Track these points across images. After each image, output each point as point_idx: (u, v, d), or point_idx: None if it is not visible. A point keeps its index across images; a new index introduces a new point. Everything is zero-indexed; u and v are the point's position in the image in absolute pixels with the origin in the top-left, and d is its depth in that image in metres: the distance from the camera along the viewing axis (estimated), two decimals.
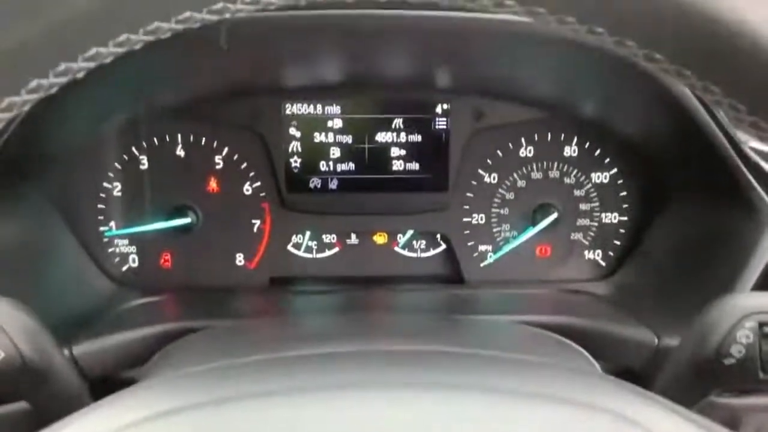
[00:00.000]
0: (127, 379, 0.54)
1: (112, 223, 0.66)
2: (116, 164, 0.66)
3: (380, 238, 0.70)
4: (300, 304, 0.67)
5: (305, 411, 0.30)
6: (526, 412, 0.29)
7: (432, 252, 0.70)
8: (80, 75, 0.25)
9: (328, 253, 0.70)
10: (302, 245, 0.70)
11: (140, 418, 0.32)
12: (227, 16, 0.26)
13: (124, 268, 0.67)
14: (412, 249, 0.70)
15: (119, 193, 0.66)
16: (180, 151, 0.66)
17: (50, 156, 0.60)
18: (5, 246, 0.56)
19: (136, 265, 0.68)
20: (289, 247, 0.70)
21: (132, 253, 0.67)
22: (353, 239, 0.70)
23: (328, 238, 0.70)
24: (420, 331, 0.56)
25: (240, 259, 0.68)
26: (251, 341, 0.54)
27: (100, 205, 0.66)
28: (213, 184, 0.67)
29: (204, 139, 0.65)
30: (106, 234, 0.66)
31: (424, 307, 0.66)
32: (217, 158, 0.66)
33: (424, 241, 0.70)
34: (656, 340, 0.55)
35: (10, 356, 0.41)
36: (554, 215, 0.67)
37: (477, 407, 0.29)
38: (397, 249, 0.70)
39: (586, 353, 0.52)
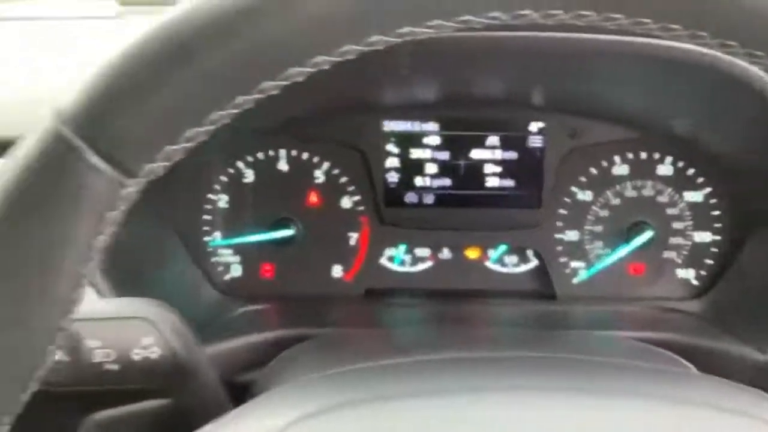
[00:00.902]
0: (240, 382, 0.56)
1: (217, 234, 0.69)
2: (222, 177, 0.69)
3: (472, 253, 0.72)
4: (395, 316, 0.69)
5: (456, 411, 0.32)
6: (676, 417, 0.30)
7: (523, 267, 0.72)
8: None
9: (421, 266, 0.72)
10: (396, 258, 0.72)
11: (304, 414, 0.34)
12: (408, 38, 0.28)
13: (227, 277, 0.70)
14: (503, 264, 0.72)
15: (225, 205, 0.69)
16: (283, 166, 0.68)
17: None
18: (124, 253, 0.60)
19: (239, 274, 0.70)
20: (383, 260, 0.72)
21: (235, 262, 0.70)
22: (446, 253, 0.72)
23: (421, 252, 0.72)
24: (527, 341, 0.57)
25: (337, 270, 0.71)
26: (369, 348, 0.56)
27: (206, 216, 0.69)
28: (313, 198, 0.69)
29: (306, 154, 0.68)
30: (211, 244, 0.70)
31: (518, 320, 0.67)
32: (318, 173, 0.69)
33: (515, 257, 0.71)
34: (761, 356, 0.55)
35: (164, 355, 0.44)
36: (650, 233, 0.67)
37: (626, 411, 0.31)
38: (488, 264, 0.72)
39: (693, 367, 0.52)
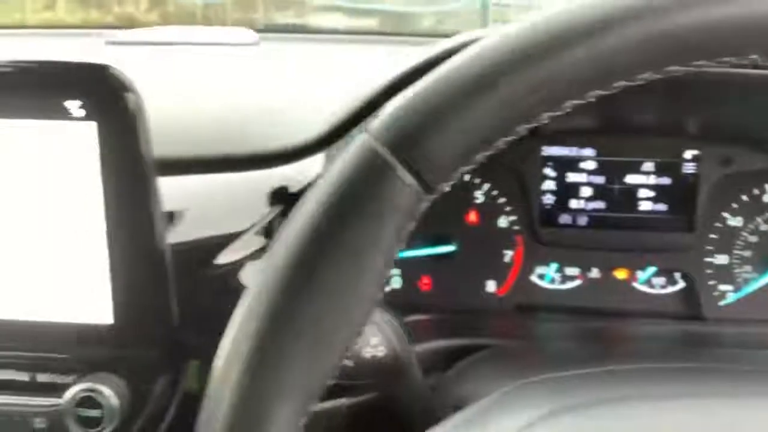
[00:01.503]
0: None
1: None
2: None
3: (621, 274, 0.75)
4: (546, 331, 0.73)
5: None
6: None
7: (670, 289, 0.74)
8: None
9: (570, 284, 0.75)
10: (547, 276, 0.75)
11: (541, 414, 0.37)
12: None
13: (387, 289, 0.75)
14: (651, 285, 0.74)
15: None
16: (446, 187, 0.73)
17: None
18: None
19: (398, 286, 0.75)
20: (534, 278, 0.75)
21: (396, 275, 0.74)
22: (595, 273, 0.75)
23: (571, 270, 0.75)
24: (685, 357, 0.60)
25: (491, 286, 0.74)
26: (546, 359, 0.60)
27: None
28: (472, 217, 0.73)
29: (468, 176, 0.72)
30: None
31: (668, 339, 0.70)
32: (478, 193, 0.73)
33: (663, 278, 0.74)
34: None
35: (388, 354, 0.48)
36: None
37: None
38: (636, 285, 0.74)
39: None
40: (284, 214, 0.62)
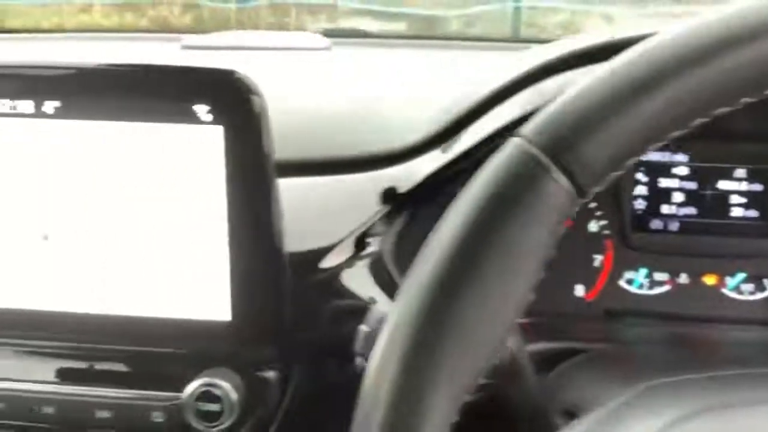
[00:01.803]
0: None
1: None
2: None
3: (710, 279, 0.75)
4: (636, 336, 0.73)
5: None
6: None
7: (759, 296, 0.74)
8: None
9: (658, 290, 0.75)
10: (635, 281, 0.75)
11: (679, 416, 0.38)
12: None
13: None
14: (739, 291, 0.74)
15: None
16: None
17: None
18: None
19: None
20: (622, 283, 0.75)
21: None
22: (684, 279, 0.75)
23: (660, 276, 0.75)
24: None
25: (579, 290, 0.75)
26: (645, 363, 0.61)
27: None
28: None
29: None
30: None
31: (760, 345, 0.70)
32: None
33: (752, 285, 0.74)
34: None
35: (505, 353, 0.50)
36: None
37: None
38: (725, 291, 0.75)
39: None
40: (390, 216, 0.63)
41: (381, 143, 0.66)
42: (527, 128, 0.34)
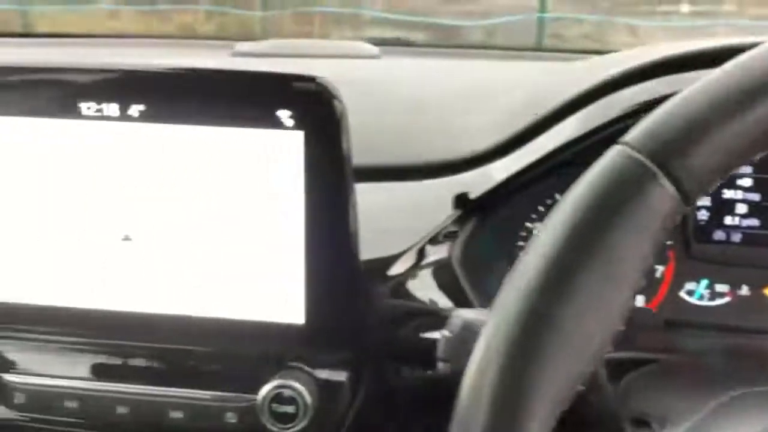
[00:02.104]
0: None
1: None
2: (540, 207, 0.74)
3: None
4: (698, 347, 0.73)
5: None
6: None
7: None
8: None
9: (719, 301, 0.75)
10: (696, 293, 0.75)
11: None
12: None
13: None
14: None
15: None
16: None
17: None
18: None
19: None
20: (683, 294, 0.75)
21: None
22: (744, 290, 0.75)
23: (721, 287, 0.75)
24: None
25: (640, 300, 0.75)
26: (713, 374, 0.61)
27: (520, 243, 0.75)
28: None
29: None
30: None
31: None
32: None
33: None
34: None
35: None
36: None
37: None
38: None
39: None
40: (460, 221, 0.64)
41: (446, 150, 0.66)
42: (632, 135, 0.34)
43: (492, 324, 0.37)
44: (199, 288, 0.57)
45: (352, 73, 0.96)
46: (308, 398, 0.55)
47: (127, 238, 0.57)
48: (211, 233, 0.56)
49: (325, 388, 0.57)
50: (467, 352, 0.48)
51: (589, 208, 0.35)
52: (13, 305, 0.59)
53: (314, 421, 0.56)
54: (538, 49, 1.39)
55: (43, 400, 0.58)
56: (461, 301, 0.63)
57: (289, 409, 0.55)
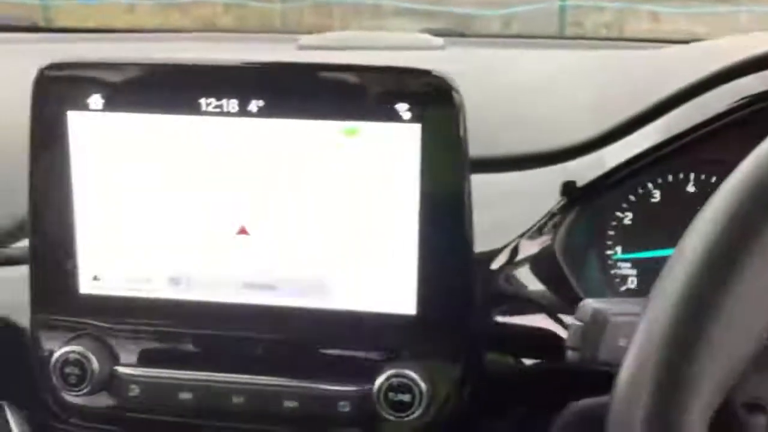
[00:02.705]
0: None
1: (619, 248, 0.76)
2: (630, 197, 0.75)
3: None
4: None
5: None
6: None
7: None
8: None
9: None
10: None
11: None
12: None
13: (623, 289, 0.76)
14: None
15: (629, 222, 0.75)
16: (690, 188, 0.74)
17: None
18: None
19: (634, 286, 0.76)
20: None
21: (632, 275, 0.76)
22: None
23: None
24: None
25: None
26: None
27: (610, 232, 0.75)
28: None
29: (714, 177, 0.73)
30: (613, 257, 0.76)
31: None
32: None
33: None
34: None
35: None
36: None
37: None
38: None
39: None
40: (564, 210, 0.64)
41: (547, 139, 0.67)
42: None
43: (653, 312, 0.38)
44: (313, 280, 0.58)
45: (421, 65, 0.97)
46: (423, 386, 0.56)
47: (243, 232, 0.58)
48: (325, 226, 0.57)
49: (437, 377, 0.58)
50: (597, 341, 0.49)
51: (753, 193, 0.35)
52: (129, 298, 0.60)
53: (428, 409, 0.57)
54: (595, 38, 1.38)
55: (158, 392, 0.60)
56: (564, 290, 0.64)
57: (405, 397, 0.56)
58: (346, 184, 0.57)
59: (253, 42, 1.15)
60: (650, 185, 0.74)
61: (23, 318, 0.64)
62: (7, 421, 0.67)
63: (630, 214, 0.75)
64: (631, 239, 0.75)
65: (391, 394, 0.57)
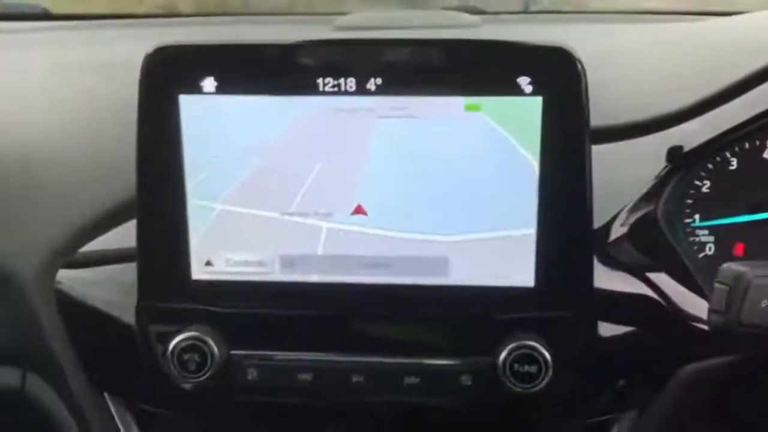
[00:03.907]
0: None
1: (697, 216, 0.77)
2: (709, 165, 0.76)
3: None
4: None
5: None
6: None
7: None
8: None
9: None
10: None
11: None
12: None
13: (701, 255, 0.78)
14: None
15: (707, 190, 0.77)
16: (767, 155, 0.76)
17: None
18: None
19: (711, 252, 0.78)
20: None
21: (710, 242, 0.78)
22: None
23: None
24: None
25: None
26: None
27: (688, 201, 0.77)
28: None
29: None
30: (691, 225, 0.77)
31: None
32: None
33: None
34: None
35: None
36: None
37: None
38: None
39: None
40: (667, 177, 0.65)
41: (637, 109, 0.68)
42: None
43: None
44: (431, 256, 0.59)
45: None
46: (549, 357, 0.57)
47: (359, 211, 0.58)
48: (444, 201, 0.58)
49: (559, 348, 0.58)
50: (741, 304, 0.50)
51: None
52: (242, 282, 0.60)
53: (553, 379, 0.58)
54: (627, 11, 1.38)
55: (277, 374, 0.60)
56: (668, 257, 0.65)
57: (532, 368, 0.57)
58: (465, 159, 0.57)
59: (286, 24, 1.13)
60: (728, 153, 0.76)
61: (114, 311, 0.64)
62: (110, 413, 0.66)
63: (708, 182, 0.76)
64: (708, 207, 0.77)
65: (516, 366, 0.57)
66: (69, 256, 0.65)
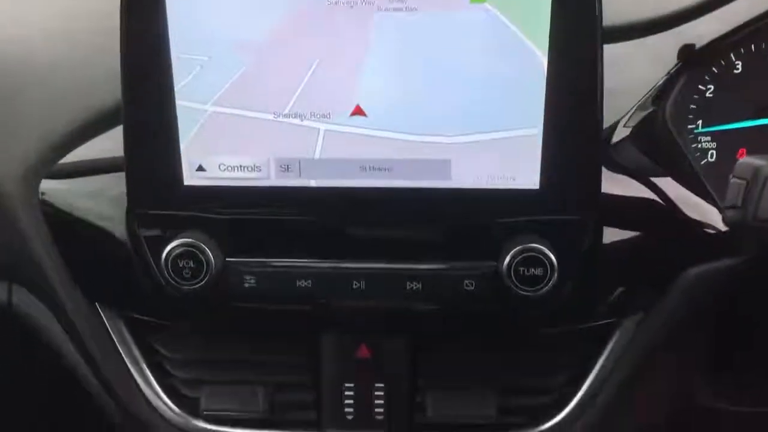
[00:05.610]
0: None
1: (699, 122, 0.75)
2: (713, 69, 0.74)
3: None
4: None
5: None
6: None
7: None
8: None
9: None
10: None
11: None
12: None
13: (703, 162, 0.76)
14: None
15: (710, 95, 0.75)
16: None
17: None
18: None
19: (713, 159, 0.76)
20: None
21: (712, 149, 0.76)
22: None
23: None
24: None
25: None
26: None
27: (692, 106, 0.75)
28: None
29: None
30: (694, 131, 0.75)
31: None
32: None
33: None
34: None
35: None
36: None
37: None
38: None
39: None
40: (676, 76, 0.63)
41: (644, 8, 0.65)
42: None
43: None
44: (433, 159, 0.57)
45: None
46: (554, 260, 0.56)
47: (358, 112, 0.55)
48: (447, 100, 0.55)
49: (564, 251, 0.57)
50: (759, 199, 0.48)
51: None
52: (236, 188, 0.57)
53: (557, 283, 0.57)
54: None
55: (275, 281, 0.58)
56: (672, 160, 0.63)
57: (538, 271, 0.56)
58: (469, 54, 0.54)
59: None
60: (733, 56, 0.73)
61: (103, 221, 0.62)
62: (103, 323, 0.65)
63: (712, 87, 0.74)
64: (712, 113, 0.75)
65: (521, 269, 0.56)
66: (52, 165, 0.62)
